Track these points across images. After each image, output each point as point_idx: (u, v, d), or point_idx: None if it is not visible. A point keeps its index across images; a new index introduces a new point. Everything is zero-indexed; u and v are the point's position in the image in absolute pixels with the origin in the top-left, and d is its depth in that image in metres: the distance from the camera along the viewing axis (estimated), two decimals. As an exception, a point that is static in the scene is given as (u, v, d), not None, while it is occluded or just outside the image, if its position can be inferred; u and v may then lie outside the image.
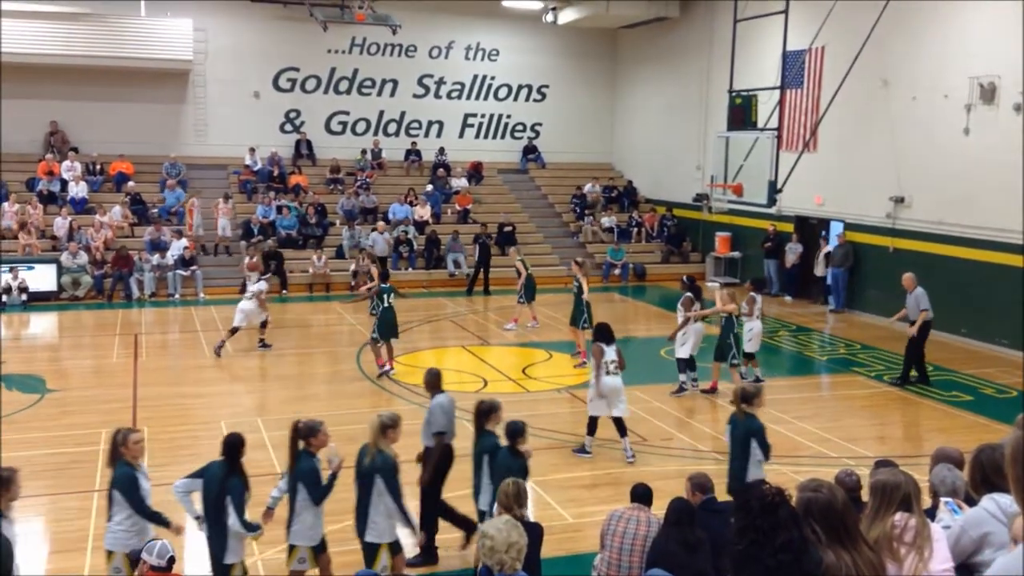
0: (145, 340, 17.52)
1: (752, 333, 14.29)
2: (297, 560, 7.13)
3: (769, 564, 3.50)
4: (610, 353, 10.95)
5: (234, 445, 6.83)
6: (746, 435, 8.29)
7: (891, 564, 4.10)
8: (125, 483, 6.67)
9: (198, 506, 6.87)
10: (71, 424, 12.31)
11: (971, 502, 4.94)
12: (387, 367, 14.85)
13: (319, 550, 7.20)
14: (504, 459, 7.47)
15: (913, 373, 14.85)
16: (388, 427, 7.15)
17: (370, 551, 7.10)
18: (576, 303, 16.15)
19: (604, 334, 11.13)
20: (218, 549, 6.77)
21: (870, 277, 20.56)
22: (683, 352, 13.98)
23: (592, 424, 11.07)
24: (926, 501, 5.01)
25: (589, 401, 11.11)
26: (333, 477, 6.96)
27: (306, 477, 6.95)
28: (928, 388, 14.58)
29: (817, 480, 4.08)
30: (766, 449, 8.35)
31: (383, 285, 15.13)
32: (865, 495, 4.76)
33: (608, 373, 10.87)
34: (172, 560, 5.92)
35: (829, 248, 21.75)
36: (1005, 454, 3.87)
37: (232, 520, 6.63)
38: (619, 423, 10.97)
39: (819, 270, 22.01)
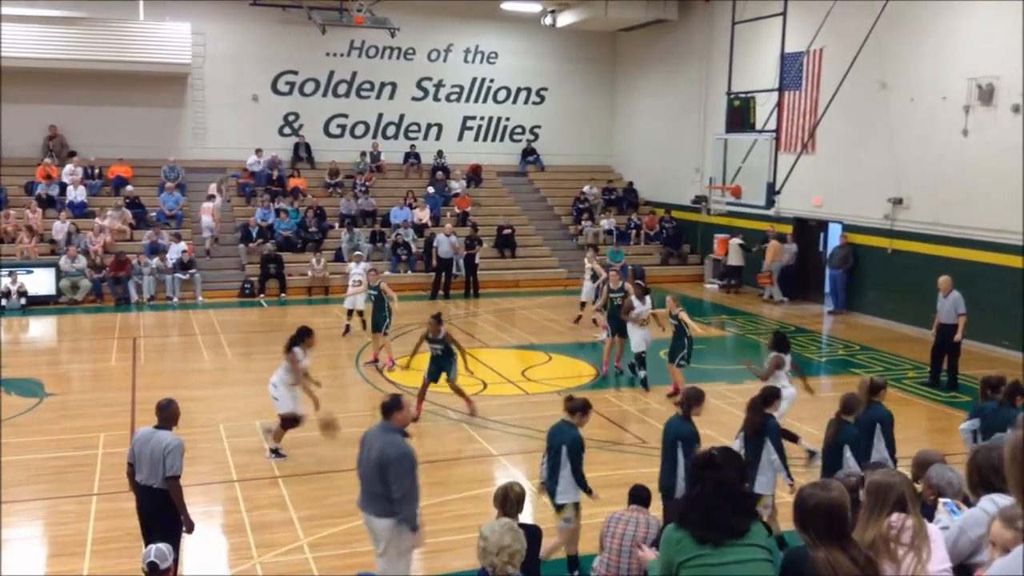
0: (144, 344, 17.50)
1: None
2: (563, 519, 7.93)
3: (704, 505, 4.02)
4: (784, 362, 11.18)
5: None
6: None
7: (888, 565, 4.10)
8: None
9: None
10: (70, 428, 12.30)
11: (969, 503, 4.93)
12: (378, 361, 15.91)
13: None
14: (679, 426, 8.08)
15: (943, 377, 14.84)
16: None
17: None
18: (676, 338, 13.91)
19: (782, 344, 11.40)
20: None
21: (869, 278, 20.56)
22: None
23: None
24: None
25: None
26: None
27: (571, 443, 7.74)
28: (933, 391, 14.59)
29: (825, 480, 4.11)
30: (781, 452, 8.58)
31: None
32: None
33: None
34: (152, 566, 5.76)
35: (792, 247, 22.70)
36: (1004, 455, 3.87)
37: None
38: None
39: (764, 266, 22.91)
